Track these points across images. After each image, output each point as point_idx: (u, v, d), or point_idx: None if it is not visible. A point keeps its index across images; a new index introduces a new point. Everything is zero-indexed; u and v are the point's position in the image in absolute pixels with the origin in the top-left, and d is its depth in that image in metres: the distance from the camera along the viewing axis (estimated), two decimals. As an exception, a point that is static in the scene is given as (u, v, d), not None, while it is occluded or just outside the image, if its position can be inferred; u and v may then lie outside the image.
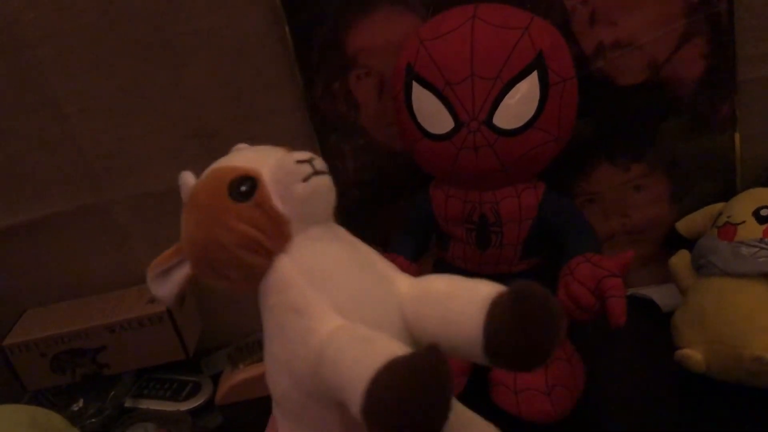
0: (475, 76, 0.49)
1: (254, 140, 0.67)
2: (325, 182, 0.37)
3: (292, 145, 0.66)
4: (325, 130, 0.65)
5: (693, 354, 0.52)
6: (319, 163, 0.37)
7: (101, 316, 0.67)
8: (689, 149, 0.62)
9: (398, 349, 0.31)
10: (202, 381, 0.70)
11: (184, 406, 0.66)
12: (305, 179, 0.36)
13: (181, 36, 0.62)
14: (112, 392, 0.68)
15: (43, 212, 0.70)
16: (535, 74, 0.49)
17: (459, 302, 0.35)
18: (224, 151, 0.67)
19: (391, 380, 0.29)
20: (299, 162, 0.36)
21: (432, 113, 0.52)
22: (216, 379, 0.69)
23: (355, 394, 0.29)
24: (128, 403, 0.69)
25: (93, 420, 0.66)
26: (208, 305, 0.74)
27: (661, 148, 0.63)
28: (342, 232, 0.40)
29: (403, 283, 0.39)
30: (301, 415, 0.37)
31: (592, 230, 0.54)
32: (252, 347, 0.71)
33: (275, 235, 0.36)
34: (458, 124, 0.51)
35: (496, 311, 0.33)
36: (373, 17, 0.60)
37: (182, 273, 0.39)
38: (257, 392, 0.45)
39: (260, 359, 0.68)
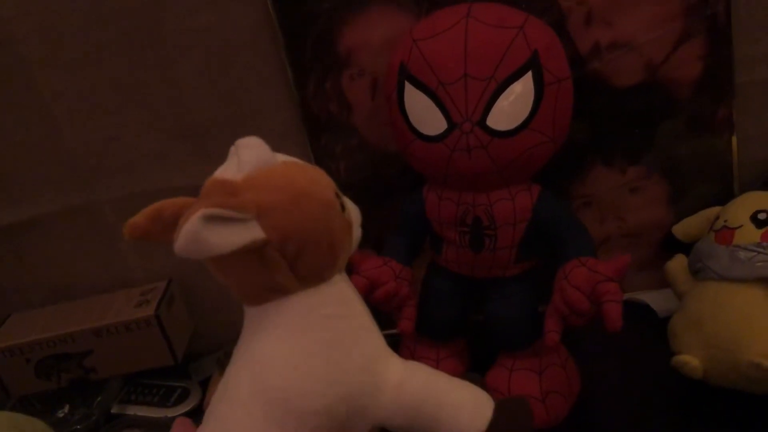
0: (468, 76, 0.48)
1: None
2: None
3: (283, 145, 0.65)
4: (317, 130, 0.64)
5: (690, 360, 0.52)
6: None
7: (88, 320, 0.66)
8: (686, 152, 0.62)
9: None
10: (190, 387, 0.68)
11: (173, 413, 0.65)
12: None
13: (172, 34, 0.62)
14: (99, 398, 0.67)
15: (30, 213, 0.69)
16: (529, 74, 0.48)
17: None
18: (214, 151, 0.66)
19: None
20: None
21: (425, 114, 0.51)
22: (205, 385, 0.68)
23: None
24: (115, 409, 0.67)
25: (79, 426, 0.64)
26: (197, 309, 0.73)
27: (658, 150, 0.62)
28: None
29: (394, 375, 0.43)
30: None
31: (588, 233, 0.53)
32: (242, 352, 0.70)
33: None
34: (451, 126, 0.50)
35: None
36: (365, 16, 0.60)
37: (249, 233, 0.37)
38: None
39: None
